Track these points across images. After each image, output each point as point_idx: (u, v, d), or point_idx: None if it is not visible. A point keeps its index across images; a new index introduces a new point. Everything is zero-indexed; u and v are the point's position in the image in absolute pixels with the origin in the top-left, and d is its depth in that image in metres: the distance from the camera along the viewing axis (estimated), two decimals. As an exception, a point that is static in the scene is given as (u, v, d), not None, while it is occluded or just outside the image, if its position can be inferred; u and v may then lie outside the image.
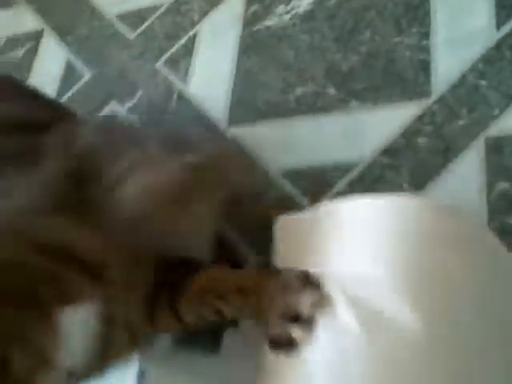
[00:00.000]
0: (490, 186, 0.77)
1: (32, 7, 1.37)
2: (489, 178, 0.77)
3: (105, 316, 0.53)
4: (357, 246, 0.59)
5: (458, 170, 0.80)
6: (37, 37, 1.32)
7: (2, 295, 0.47)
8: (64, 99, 1.18)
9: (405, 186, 0.81)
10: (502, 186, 0.76)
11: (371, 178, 0.83)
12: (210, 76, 1.06)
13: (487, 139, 0.80)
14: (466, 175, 0.79)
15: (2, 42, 1.36)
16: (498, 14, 0.88)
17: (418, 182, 0.81)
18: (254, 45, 1.04)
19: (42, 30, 1.32)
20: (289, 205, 0.84)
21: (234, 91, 1.01)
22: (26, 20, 1.36)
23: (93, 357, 0.53)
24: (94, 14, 1.27)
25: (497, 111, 0.82)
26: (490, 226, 0.73)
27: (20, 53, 1.32)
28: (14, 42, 1.35)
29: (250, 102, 0.98)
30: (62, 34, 1.28)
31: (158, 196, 0.57)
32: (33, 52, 1.30)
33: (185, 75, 1.08)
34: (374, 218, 0.60)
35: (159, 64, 1.12)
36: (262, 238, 0.66)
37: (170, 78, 1.09)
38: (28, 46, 1.32)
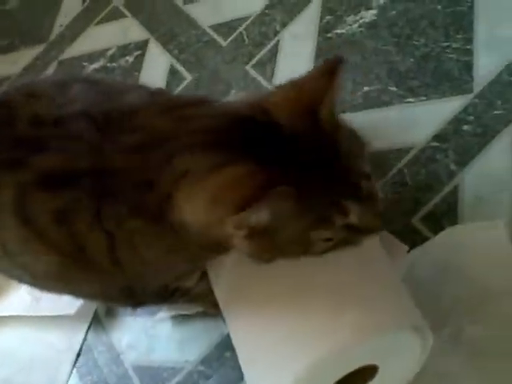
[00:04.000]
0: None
1: (137, 20, 1.63)
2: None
3: None
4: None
5: (494, 150, 0.99)
6: (143, 46, 1.58)
7: None
8: (170, 99, 1.43)
9: (451, 165, 1.02)
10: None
11: (424, 159, 1.04)
12: (291, 76, 1.28)
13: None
14: (500, 154, 0.99)
15: (113, 51, 1.63)
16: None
17: (462, 160, 1.01)
18: (328, 50, 1.25)
19: (148, 40, 1.57)
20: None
21: (311, 89, 1.22)
22: (133, 31, 1.62)
23: None
24: (192, 24, 1.51)
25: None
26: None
27: (130, 59, 1.58)
28: (123, 50, 1.61)
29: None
30: (165, 43, 1.54)
31: None
32: (140, 59, 1.56)
33: (271, 76, 1.31)
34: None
35: (249, 67, 1.35)
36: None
37: (259, 78, 1.32)
38: (136, 53, 1.58)
